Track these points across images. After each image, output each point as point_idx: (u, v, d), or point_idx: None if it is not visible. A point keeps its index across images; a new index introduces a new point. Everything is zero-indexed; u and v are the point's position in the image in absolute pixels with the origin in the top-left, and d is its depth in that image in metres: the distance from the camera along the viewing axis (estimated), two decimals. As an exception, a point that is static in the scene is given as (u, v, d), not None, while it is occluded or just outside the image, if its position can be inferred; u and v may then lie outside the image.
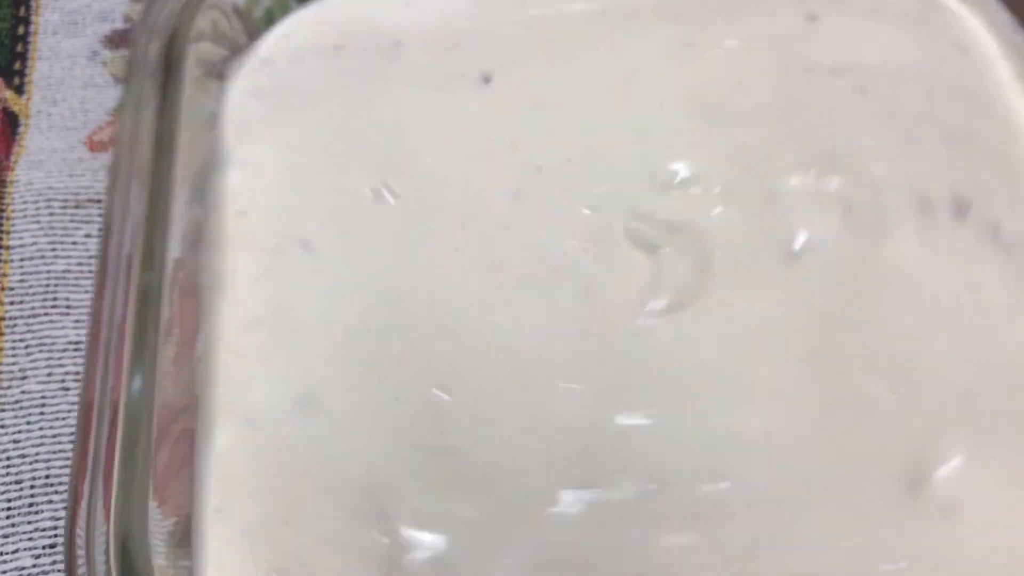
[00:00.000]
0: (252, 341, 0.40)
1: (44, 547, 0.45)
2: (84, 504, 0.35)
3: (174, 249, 0.40)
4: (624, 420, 0.39)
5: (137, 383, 0.37)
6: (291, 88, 0.47)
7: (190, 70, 0.45)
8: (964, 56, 0.48)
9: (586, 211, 0.43)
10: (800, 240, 0.41)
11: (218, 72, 0.47)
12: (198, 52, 0.46)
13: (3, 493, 0.46)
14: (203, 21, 0.47)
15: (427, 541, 0.37)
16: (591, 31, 0.48)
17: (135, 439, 0.36)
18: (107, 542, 0.35)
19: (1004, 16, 0.48)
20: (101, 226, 0.41)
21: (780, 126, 0.45)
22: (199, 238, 0.42)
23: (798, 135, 0.44)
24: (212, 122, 0.46)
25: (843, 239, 0.42)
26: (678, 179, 0.44)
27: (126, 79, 0.44)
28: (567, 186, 0.44)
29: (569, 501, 0.37)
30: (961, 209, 0.42)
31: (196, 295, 0.41)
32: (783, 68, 0.46)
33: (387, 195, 0.44)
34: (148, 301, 0.39)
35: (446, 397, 0.39)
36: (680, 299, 0.41)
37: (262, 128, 0.46)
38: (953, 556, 0.36)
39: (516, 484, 0.38)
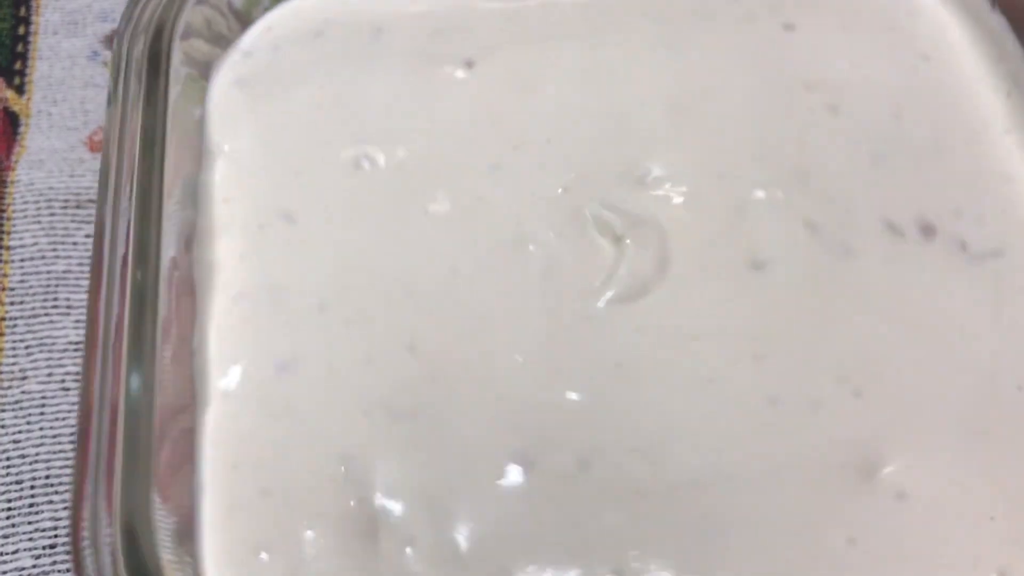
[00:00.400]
0: (237, 316, 0.42)
1: (44, 547, 0.45)
2: (88, 502, 0.36)
3: (169, 248, 0.41)
4: (566, 398, 0.40)
5: (136, 382, 0.38)
6: (272, 76, 0.48)
7: (178, 69, 0.46)
8: (928, 63, 0.49)
9: (559, 190, 0.45)
10: (764, 253, 0.43)
11: (208, 73, 0.48)
12: (188, 50, 0.47)
13: (3, 493, 0.46)
14: (196, 18, 0.47)
15: (396, 511, 0.38)
16: (572, 23, 0.50)
17: (136, 436, 0.37)
18: (113, 539, 0.35)
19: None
20: (94, 228, 0.41)
21: (754, 139, 0.46)
22: (193, 236, 0.43)
23: (771, 150, 0.46)
24: (202, 122, 0.47)
25: (808, 255, 0.43)
26: (651, 176, 0.45)
27: (112, 78, 0.44)
28: (543, 164, 0.45)
29: (513, 474, 0.38)
30: (928, 231, 0.44)
31: (192, 294, 0.42)
32: (759, 78, 0.48)
33: (366, 165, 0.45)
34: (144, 300, 0.39)
35: (411, 358, 0.41)
36: (636, 290, 0.42)
37: (244, 117, 0.47)
38: (904, 535, 0.38)
39: (467, 453, 0.39)
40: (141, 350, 0.38)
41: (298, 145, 0.46)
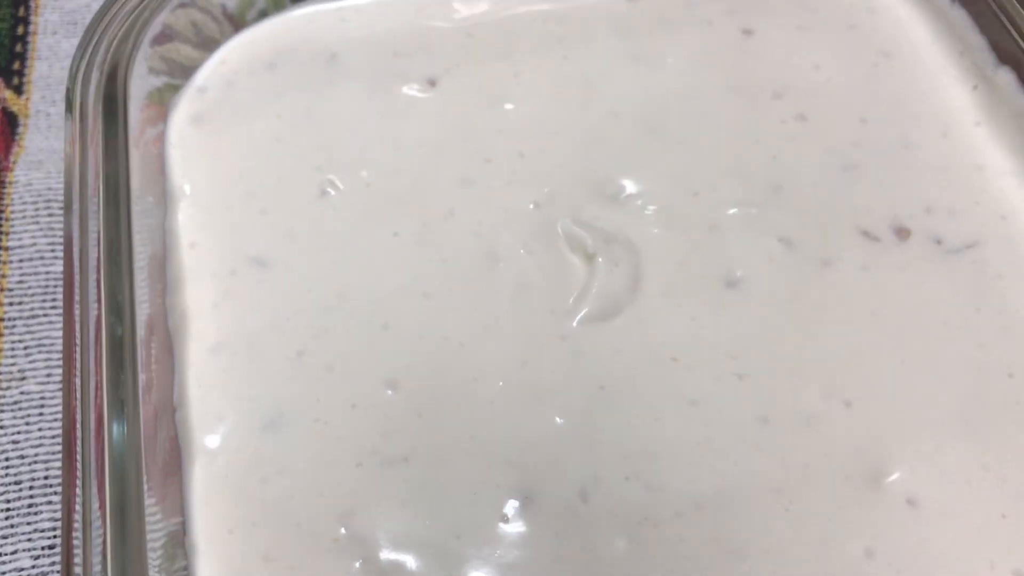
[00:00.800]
0: (216, 368, 0.41)
1: (43, 548, 0.45)
2: (78, 508, 0.35)
3: (143, 304, 0.41)
4: (553, 423, 0.40)
5: (118, 434, 0.37)
6: (228, 110, 0.47)
7: (140, 108, 0.45)
8: (890, 60, 0.49)
9: (531, 206, 0.45)
10: (739, 270, 0.43)
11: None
12: (170, 54, 0.47)
13: (2, 494, 0.46)
14: (180, 21, 0.47)
15: (406, 564, 0.37)
16: (534, 37, 0.50)
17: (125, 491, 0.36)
18: (104, 544, 0.35)
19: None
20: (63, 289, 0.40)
21: (727, 154, 0.46)
22: (165, 285, 0.43)
23: (743, 164, 0.46)
24: (163, 162, 0.46)
25: (783, 271, 0.43)
26: (624, 193, 0.45)
27: (68, 127, 0.43)
28: (515, 179, 0.45)
29: (516, 511, 0.38)
30: (902, 232, 0.44)
31: (170, 349, 0.42)
32: (727, 88, 0.48)
33: (332, 192, 0.45)
34: (121, 357, 0.38)
35: (392, 394, 0.40)
36: (609, 309, 0.42)
37: (203, 155, 0.46)
38: (920, 541, 0.38)
39: (466, 493, 0.38)
40: (122, 405, 0.37)
41: (261, 182, 0.45)
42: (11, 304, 0.50)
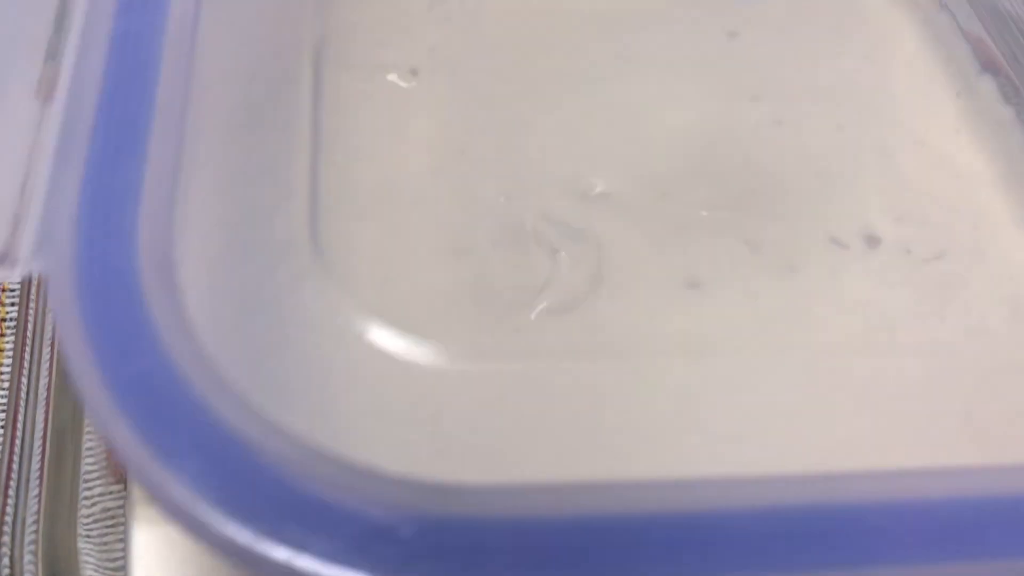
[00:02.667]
0: None
1: None
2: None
3: None
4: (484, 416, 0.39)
5: None
6: None
7: None
8: (874, 66, 0.49)
9: (502, 199, 0.45)
10: (702, 272, 0.42)
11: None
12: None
13: None
14: None
15: None
16: (519, 31, 0.50)
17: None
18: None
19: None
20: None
21: (701, 157, 0.46)
22: None
23: (717, 168, 0.46)
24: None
25: (748, 275, 0.42)
26: (595, 191, 0.45)
27: None
28: (488, 172, 0.45)
29: None
30: (872, 241, 0.44)
31: None
32: (708, 91, 0.48)
33: None
34: None
35: None
36: (567, 303, 0.42)
37: None
38: None
39: None
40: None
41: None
42: (12, 305, 0.49)
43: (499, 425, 0.38)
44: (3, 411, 0.42)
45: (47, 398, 0.40)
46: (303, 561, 0.24)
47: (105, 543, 0.37)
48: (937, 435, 0.39)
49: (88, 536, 0.37)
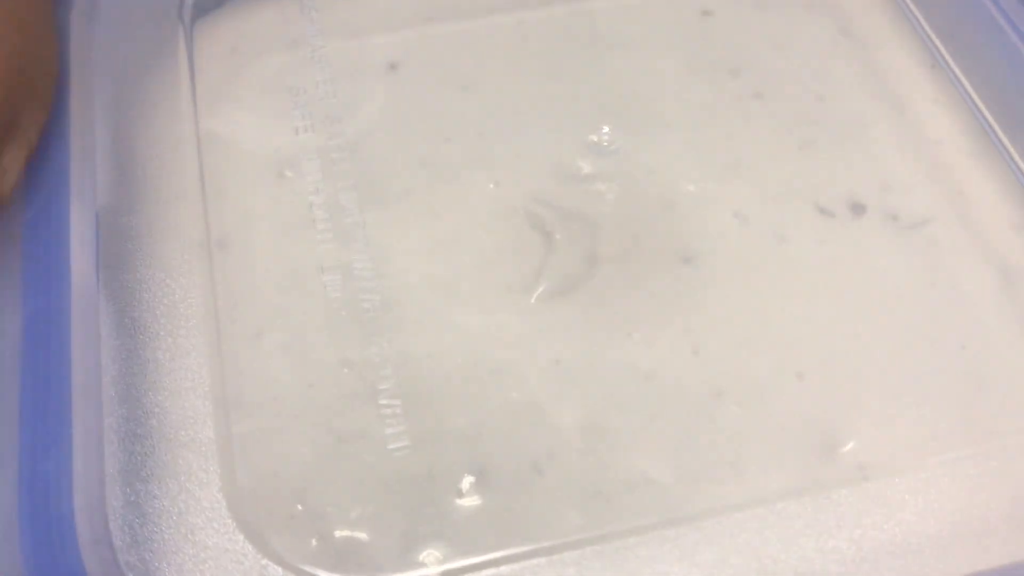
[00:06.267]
0: None
1: None
2: None
3: None
4: (509, 398, 0.40)
5: None
6: None
7: None
8: (850, 39, 0.50)
9: (491, 185, 0.45)
10: (694, 246, 0.43)
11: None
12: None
13: None
14: None
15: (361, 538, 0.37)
16: (499, 21, 0.51)
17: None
18: None
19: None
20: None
21: (685, 133, 0.47)
22: None
23: (701, 144, 0.46)
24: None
25: (738, 246, 0.43)
26: (583, 172, 0.45)
27: None
28: (476, 159, 0.46)
29: (469, 490, 0.38)
30: (858, 209, 0.44)
31: None
32: (685, 67, 0.49)
33: (288, 173, 0.45)
34: None
35: (347, 371, 0.40)
36: (566, 285, 0.42)
37: None
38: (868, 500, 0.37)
39: (420, 471, 0.38)
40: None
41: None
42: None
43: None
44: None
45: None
46: None
47: None
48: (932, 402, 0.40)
49: None
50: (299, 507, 0.37)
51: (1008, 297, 0.42)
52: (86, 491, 0.34)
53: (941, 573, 0.34)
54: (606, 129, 0.47)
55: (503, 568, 0.35)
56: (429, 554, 0.36)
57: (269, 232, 0.44)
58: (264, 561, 0.35)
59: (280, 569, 0.35)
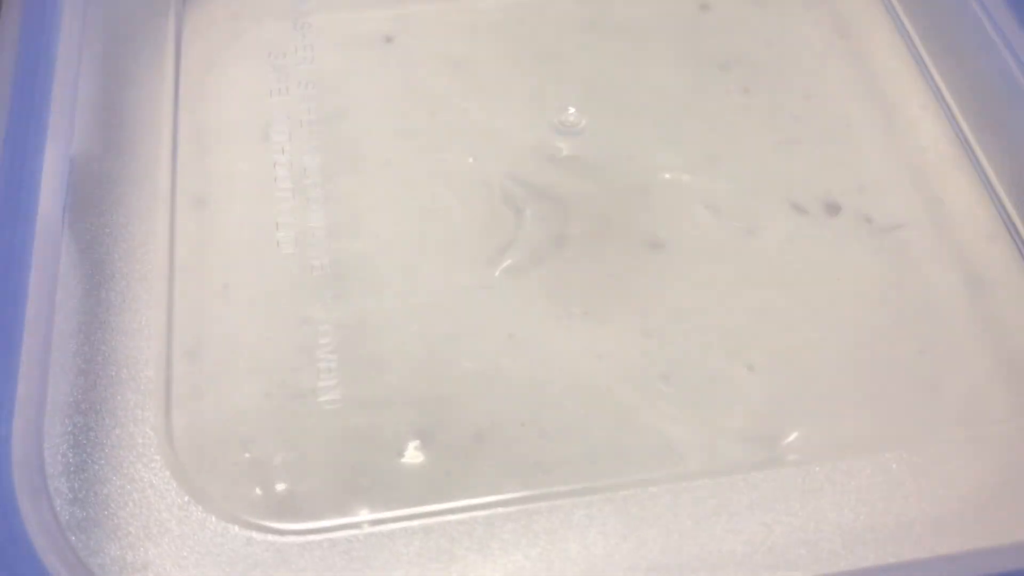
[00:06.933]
0: None
1: None
2: None
3: None
4: (461, 367, 0.40)
5: None
6: None
7: None
8: (846, 40, 0.50)
9: (469, 159, 0.46)
10: (662, 233, 0.43)
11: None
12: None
13: None
14: None
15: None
16: (499, 1, 0.51)
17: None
18: None
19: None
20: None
21: (667, 122, 0.47)
22: None
23: (683, 135, 0.46)
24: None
25: (707, 236, 0.43)
26: (562, 154, 0.46)
27: None
28: (457, 133, 0.46)
29: (411, 451, 0.38)
30: (832, 209, 0.44)
31: None
32: (676, 60, 0.49)
33: (271, 135, 0.46)
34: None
35: (306, 328, 0.41)
36: (531, 261, 0.42)
37: None
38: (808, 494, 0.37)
39: (365, 430, 0.38)
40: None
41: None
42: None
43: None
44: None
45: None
46: None
47: None
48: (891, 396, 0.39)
49: None
50: (246, 455, 0.38)
51: (973, 307, 0.42)
52: (24, 416, 0.34)
53: (847, 563, 0.34)
54: (587, 113, 0.47)
55: (433, 520, 0.35)
56: (363, 505, 0.36)
57: (244, 192, 0.44)
58: (186, 498, 0.35)
59: (200, 507, 0.35)
